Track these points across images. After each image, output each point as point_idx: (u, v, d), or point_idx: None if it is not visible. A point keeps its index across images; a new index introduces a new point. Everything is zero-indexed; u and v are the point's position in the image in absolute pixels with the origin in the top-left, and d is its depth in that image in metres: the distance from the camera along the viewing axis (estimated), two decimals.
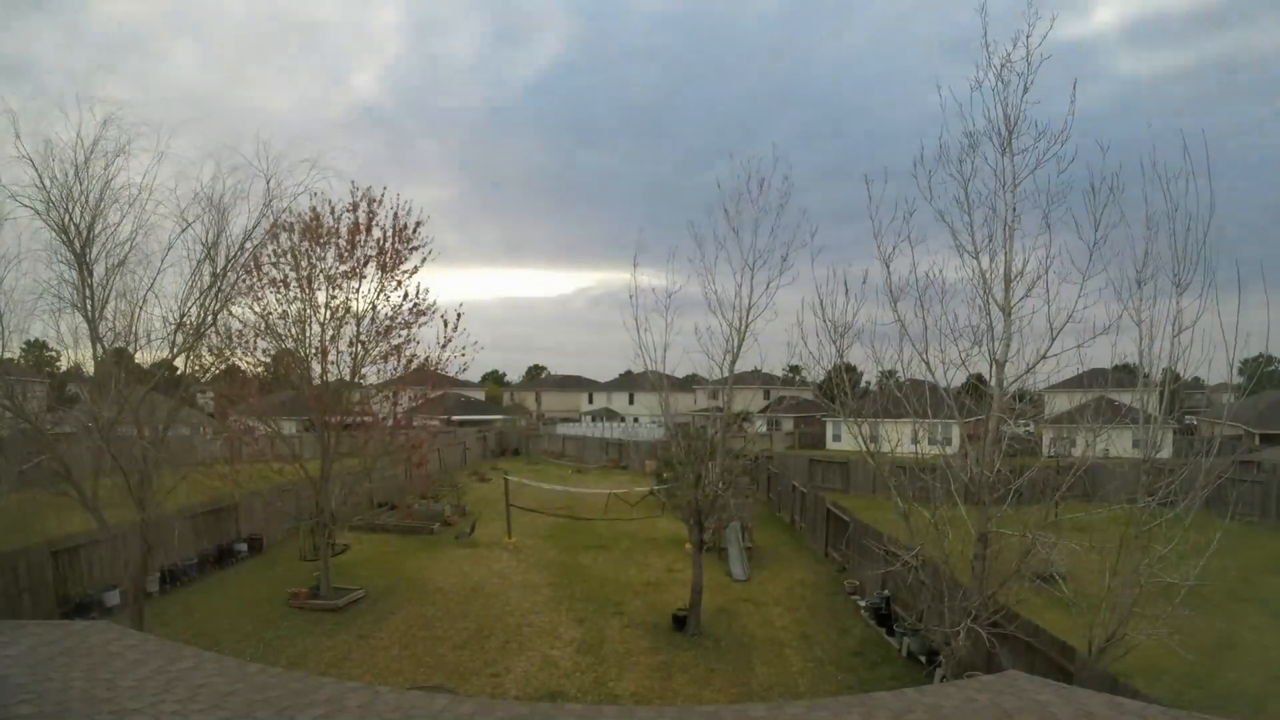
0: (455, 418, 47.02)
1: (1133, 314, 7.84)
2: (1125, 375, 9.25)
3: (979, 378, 9.90)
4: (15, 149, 10.76)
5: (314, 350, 15.11)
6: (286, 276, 14.52)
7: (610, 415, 71.09)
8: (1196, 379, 8.16)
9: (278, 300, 14.59)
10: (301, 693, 5.29)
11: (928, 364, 8.99)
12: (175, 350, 12.47)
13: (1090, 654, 7.88)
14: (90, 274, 11.46)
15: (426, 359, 15.93)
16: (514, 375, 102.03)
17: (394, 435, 16.23)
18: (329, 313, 14.92)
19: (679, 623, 13.70)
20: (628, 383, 72.69)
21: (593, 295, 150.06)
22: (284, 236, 14.37)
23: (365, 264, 15.03)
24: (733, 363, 13.52)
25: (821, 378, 10.77)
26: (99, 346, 11.75)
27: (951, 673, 9.07)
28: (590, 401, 79.50)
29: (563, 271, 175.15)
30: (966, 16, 8.70)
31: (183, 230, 12.09)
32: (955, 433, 10.04)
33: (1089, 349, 8.23)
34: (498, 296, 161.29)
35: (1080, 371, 9.00)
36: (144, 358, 13.03)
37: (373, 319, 15.30)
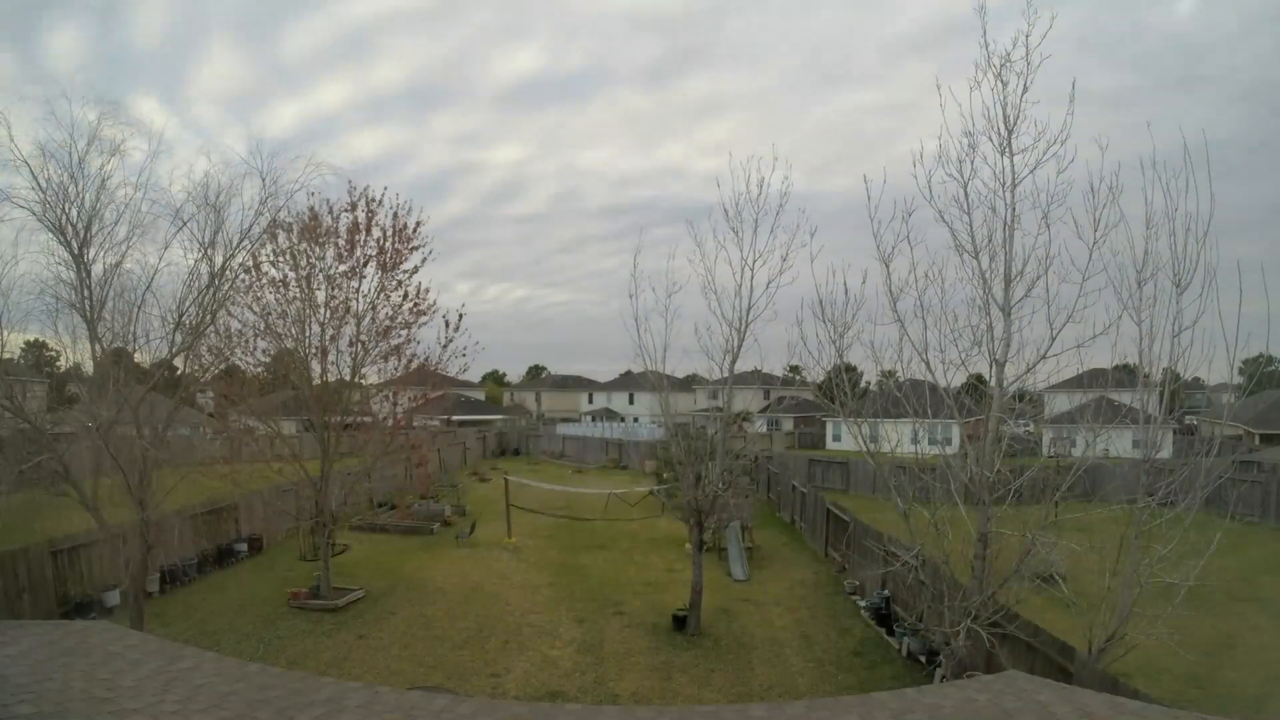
0: (455, 418, 47.05)
1: (1133, 314, 7.85)
2: (1125, 375, 9.24)
3: (979, 378, 9.90)
4: (10, 150, 10.77)
5: (314, 350, 15.10)
6: (286, 276, 14.51)
7: (610, 415, 71.05)
8: (1196, 379, 8.15)
9: (277, 300, 14.58)
10: (301, 693, 5.29)
11: (928, 364, 8.99)
12: (174, 350, 12.47)
13: (1090, 654, 7.88)
14: (88, 274, 11.47)
15: (426, 359, 15.92)
16: (514, 375, 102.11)
17: (394, 435, 16.22)
18: (329, 312, 14.92)
19: (679, 623, 13.70)
20: (628, 383, 72.66)
21: None
22: (282, 236, 14.38)
23: (365, 264, 15.03)
24: (733, 363, 13.51)
25: (821, 378, 10.76)
26: (98, 346, 11.75)
27: (951, 673, 9.07)
28: (590, 401, 79.45)
29: None
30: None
31: (179, 229, 12.12)
32: (955, 433, 10.03)
33: (1089, 349, 8.24)
34: None
35: (1080, 371, 8.99)
36: (143, 357, 13.03)
37: (373, 319, 15.29)
